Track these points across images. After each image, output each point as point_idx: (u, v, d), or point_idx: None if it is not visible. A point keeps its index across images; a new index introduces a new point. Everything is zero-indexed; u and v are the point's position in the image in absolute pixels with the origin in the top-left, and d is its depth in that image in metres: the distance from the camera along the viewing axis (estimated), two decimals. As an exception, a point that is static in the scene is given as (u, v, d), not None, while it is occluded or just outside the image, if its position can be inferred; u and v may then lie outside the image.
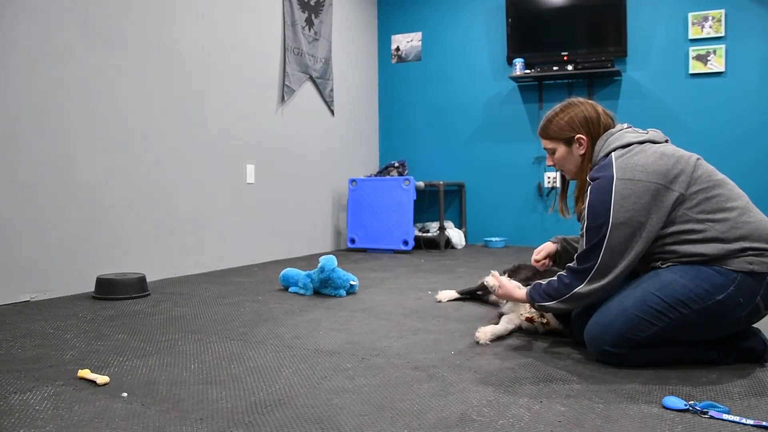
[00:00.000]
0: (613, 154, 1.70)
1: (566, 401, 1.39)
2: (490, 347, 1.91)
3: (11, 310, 2.51)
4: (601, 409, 1.34)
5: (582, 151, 1.81)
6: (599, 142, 1.78)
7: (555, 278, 1.75)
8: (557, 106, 1.89)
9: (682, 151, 1.70)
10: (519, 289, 1.89)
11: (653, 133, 1.77)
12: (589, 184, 1.71)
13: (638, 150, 1.68)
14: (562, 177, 1.98)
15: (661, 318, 1.59)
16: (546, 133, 1.88)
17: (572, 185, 1.97)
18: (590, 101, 1.86)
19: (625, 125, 1.82)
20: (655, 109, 4.80)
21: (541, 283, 1.79)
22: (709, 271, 1.58)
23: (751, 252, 1.57)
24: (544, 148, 1.91)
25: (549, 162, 1.93)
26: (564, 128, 1.83)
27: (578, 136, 1.81)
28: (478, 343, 1.93)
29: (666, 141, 1.79)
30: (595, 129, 1.80)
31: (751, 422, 1.23)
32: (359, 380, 1.57)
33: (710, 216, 1.60)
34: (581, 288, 1.66)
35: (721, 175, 1.69)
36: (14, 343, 1.98)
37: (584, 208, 1.70)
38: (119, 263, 3.13)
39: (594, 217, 1.64)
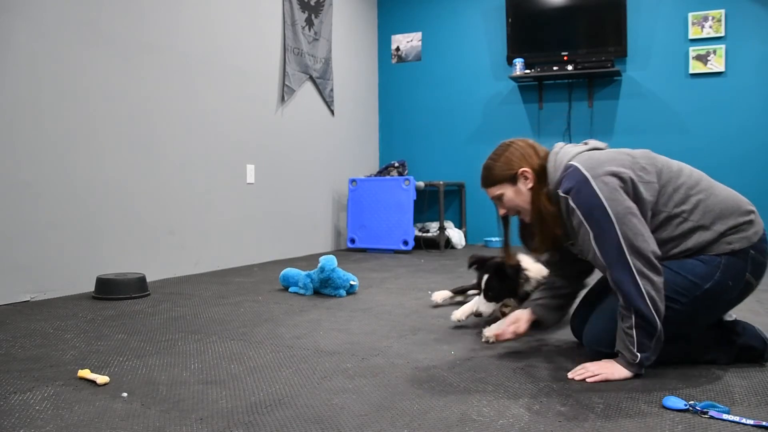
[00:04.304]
0: (573, 161, 1.63)
1: (566, 401, 1.39)
2: (489, 347, 1.91)
3: (11, 310, 2.51)
4: (601, 409, 1.34)
5: (530, 185, 1.71)
6: (549, 165, 1.69)
7: (624, 327, 1.54)
8: (492, 153, 1.80)
9: (631, 149, 1.69)
10: (610, 370, 1.57)
11: (593, 142, 1.74)
12: (564, 198, 1.61)
13: (593, 153, 1.65)
14: (504, 221, 1.85)
15: None
16: (489, 181, 1.78)
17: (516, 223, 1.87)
18: (523, 138, 1.79)
19: (561, 143, 1.75)
20: (655, 109, 4.80)
21: (629, 343, 1.53)
22: (693, 263, 1.58)
23: (728, 232, 1.57)
24: (492, 198, 1.80)
25: (501, 211, 1.79)
26: (504, 169, 1.74)
27: (521, 170, 1.71)
28: (488, 342, 1.94)
29: (606, 147, 1.75)
30: (534, 160, 1.72)
31: (751, 422, 1.23)
32: (359, 380, 1.57)
33: (683, 207, 1.59)
34: (648, 300, 1.50)
35: (676, 164, 1.68)
36: (14, 343, 1.98)
37: (578, 230, 1.59)
38: (119, 263, 3.13)
39: (597, 228, 1.54)
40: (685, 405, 1.32)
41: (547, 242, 1.73)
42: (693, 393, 1.44)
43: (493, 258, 2.19)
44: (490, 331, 1.95)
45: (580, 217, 1.57)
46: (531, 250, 1.88)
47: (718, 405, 1.31)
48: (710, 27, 4.61)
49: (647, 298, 1.50)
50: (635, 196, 1.57)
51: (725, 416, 1.26)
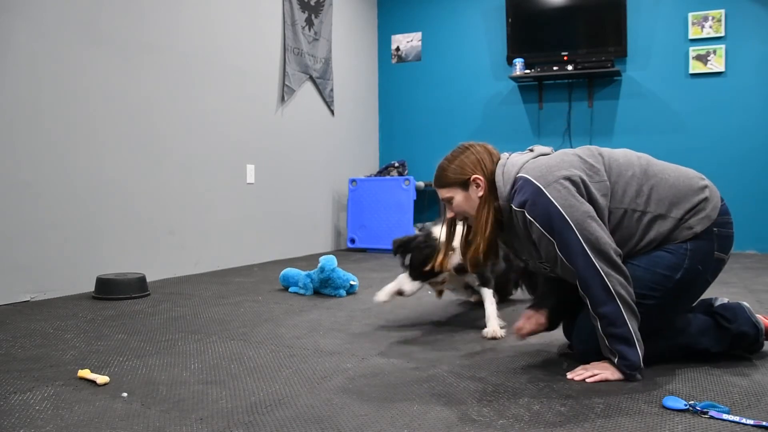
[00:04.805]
0: (522, 172, 1.63)
1: (566, 401, 1.39)
2: (489, 347, 1.91)
3: (11, 310, 2.51)
4: (601, 409, 1.34)
5: (480, 193, 1.70)
6: (497, 179, 1.68)
7: (601, 335, 1.55)
8: (448, 154, 1.80)
9: (575, 149, 1.69)
10: (609, 370, 1.56)
11: (539, 148, 1.74)
12: (520, 212, 1.60)
13: (540, 160, 1.65)
14: (450, 224, 1.87)
15: None
16: (441, 182, 1.77)
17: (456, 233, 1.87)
18: (481, 143, 1.79)
19: (507, 153, 1.76)
20: (655, 109, 4.80)
21: (609, 353, 1.55)
22: (660, 254, 1.58)
23: (687, 216, 1.57)
24: (442, 199, 1.79)
25: (450, 213, 1.80)
26: (457, 173, 1.73)
27: (474, 176, 1.70)
28: (493, 338, 1.97)
29: (551, 151, 1.75)
30: (489, 168, 1.71)
31: (751, 422, 1.23)
32: (359, 380, 1.57)
33: (638, 200, 1.59)
34: (618, 300, 1.50)
35: (621, 153, 1.67)
36: (14, 343, 1.98)
37: (540, 242, 1.59)
38: (119, 263, 3.12)
39: (559, 237, 1.54)
40: (685, 405, 1.32)
41: (475, 253, 1.70)
42: (693, 393, 1.44)
43: (415, 238, 2.16)
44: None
45: (540, 229, 1.56)
46: (466, 259, 1.82)
47: (718, 405, 1.31)
48: (710, 27, 4.61)
49: (617, 298, 1.50)
50: (588, 197, 1.57)
51: (725, 416, 1.26)
